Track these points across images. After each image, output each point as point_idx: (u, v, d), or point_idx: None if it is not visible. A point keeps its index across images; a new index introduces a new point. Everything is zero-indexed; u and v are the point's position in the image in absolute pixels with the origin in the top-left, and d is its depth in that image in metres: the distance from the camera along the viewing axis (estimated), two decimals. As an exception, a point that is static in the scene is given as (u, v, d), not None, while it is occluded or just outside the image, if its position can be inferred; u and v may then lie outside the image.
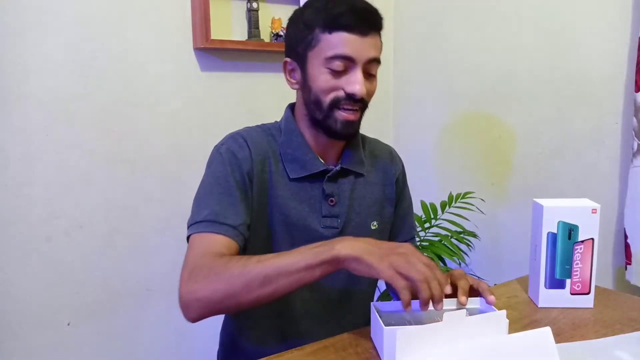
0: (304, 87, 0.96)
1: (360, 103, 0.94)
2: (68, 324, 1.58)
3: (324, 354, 0.80)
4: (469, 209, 1.75)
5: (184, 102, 1.71)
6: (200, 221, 0.90)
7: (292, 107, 1.05)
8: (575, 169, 1.59)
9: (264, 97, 1.82)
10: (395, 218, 1.12)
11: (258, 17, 1.75)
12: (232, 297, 0.80)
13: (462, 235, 1.74)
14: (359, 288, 1.05)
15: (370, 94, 0.96)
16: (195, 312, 0.85)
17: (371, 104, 0.98)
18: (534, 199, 0.99)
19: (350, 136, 0.99)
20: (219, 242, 0.88)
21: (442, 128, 2.00)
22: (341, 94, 0.92)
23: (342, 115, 0.93)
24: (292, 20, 0.98)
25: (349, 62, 0.91)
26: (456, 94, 1.93)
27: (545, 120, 1.66)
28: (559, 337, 0.84)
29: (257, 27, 1.76)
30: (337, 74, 0.92)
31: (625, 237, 1.43)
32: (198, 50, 1.70)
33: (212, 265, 0.83)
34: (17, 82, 1.45)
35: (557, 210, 0.94)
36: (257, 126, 1.04)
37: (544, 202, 0.96)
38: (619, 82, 1.47)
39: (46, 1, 1.46)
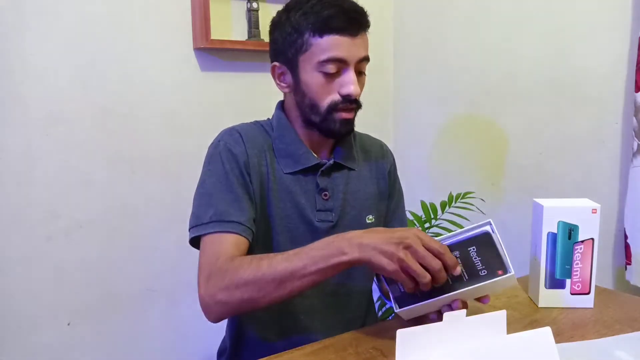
0: (297, 91, 0.98)
1: (355, 103, 0.96)
2: (68, 324, 1.57)
3: (324, 354, 0.80)
4: (469, 209, 1.75)
5: (184, 102, 1.71)
6: (207, 222, 0.91)
7: (281, 105, 1.06)
8: (575, 169, 1.59)
9: (264, 97, 1.81)
10: (388, 211, 1.12)
11: (258, 17, 1.75)
12: (249, 301, 0.84)
13: (462, 235, 1.74)
14: (356, 283, 1.06)
15: (361, 92, 0.97)
16: (215, 314, 0.88)
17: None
18: (534, 199, 0.99)
19: (348, 135, 1.01)
20: (229, 241, 0.89)
21: (442, 128, 2.00)
22: (337, 97, 0.94)
23: (340, 115, 0.95)
24: (277, 23, 0.99)
25: (341, 64, 0.92)
26: (456, 93, 1.93)
27: (545, 120, 1.66)
28: (559, 337, 0.84)
29: (257, 27, 1.76)
30: (330, 76, 0.93)
31: (625, 237, 1.43)
32: (198, 50, 1.70)
33: (225, 270, 0.85)
34: (17, 82, 1.45)
35: (557, 210, 0.94)
36: (252, 122, 1.06)
37: (544, 202, 0.96)
38: (619, 82, 1.47)
39: (46, 1, 1.46)
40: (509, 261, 0.78)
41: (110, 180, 1.60)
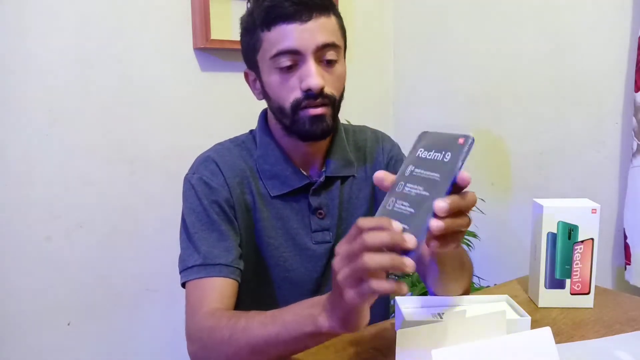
0: (265, 95, 0.90)
1: (323, 98, 0.83)
2: (68, 324, 1.57)
3: (324, 354, 0.80)
4: (469, 209, 1.75)
5: (184, 102, 1.71)
6: (192, 266, 0.86)
7: (265, 114, 0.97)
8: (575, 169, 1.59)
9: (264, 97, 1.82)
10: None
11: (258, 17, 1.75)
12: None
13: (462, 235, 1.74)
14: None
15: (333, 84, 0.85)
16: None
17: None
18: (534, 199, 0.99)
19: (325, 133, 0.87)
20: (213, 287, 0.84)
21: (442, 128, 1.99)
22: (299, 93, 0.83)
23: (307, 113, 0.83)
24: (241, 30, 0.92)
25: (295, 55, 0.82)
26: (456, 93, 1.93)
27: (545, 120, 1.66)
28: (559, 337, 0.84)
29: (257, 27, 1.76)
30: (287, 72, 0.83)
31: (625, 237, 1.43)
32: (198, 50, 1.70)
33: (203, 328, 0.79)
34: (18, 81, 1.45)
35: (557, 210, 0.94)
36: (230, 141, 0.97)
37: (544, 202, 0.96)
38: (619, 82, 1.47)
39: (46, 1, 1.46)
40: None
41: (110, 180, 1.60)
